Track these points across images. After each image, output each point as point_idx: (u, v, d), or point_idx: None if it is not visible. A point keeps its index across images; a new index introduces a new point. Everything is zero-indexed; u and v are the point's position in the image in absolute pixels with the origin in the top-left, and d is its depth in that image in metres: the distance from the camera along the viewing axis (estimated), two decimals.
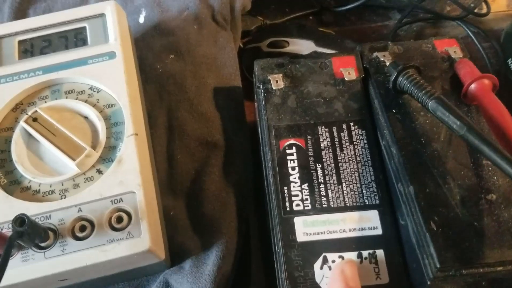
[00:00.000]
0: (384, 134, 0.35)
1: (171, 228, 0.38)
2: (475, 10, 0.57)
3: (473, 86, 0.35)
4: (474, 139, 0.29)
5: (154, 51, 0.45)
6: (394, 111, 0.36)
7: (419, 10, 0.58)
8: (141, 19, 0.48)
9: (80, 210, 0.33)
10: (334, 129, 0.36)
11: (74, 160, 0.34)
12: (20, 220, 0.29)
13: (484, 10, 0.58)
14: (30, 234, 0.30)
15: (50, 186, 0.34)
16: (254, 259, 0.39)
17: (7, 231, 0.32)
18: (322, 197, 0.34)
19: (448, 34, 0.58)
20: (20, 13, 0.49)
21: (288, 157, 0.35)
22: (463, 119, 0.30)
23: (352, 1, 0.57)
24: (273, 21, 0.56)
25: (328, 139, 0.36)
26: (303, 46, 0.49)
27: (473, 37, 0.56)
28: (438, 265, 0.29)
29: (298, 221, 0.33)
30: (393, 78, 0.35)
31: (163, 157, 0.41)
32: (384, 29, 0.57)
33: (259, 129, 0.39)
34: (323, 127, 0.36)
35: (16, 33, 0.41)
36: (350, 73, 0.38)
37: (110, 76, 0.38)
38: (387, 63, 0.38)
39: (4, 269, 0.27)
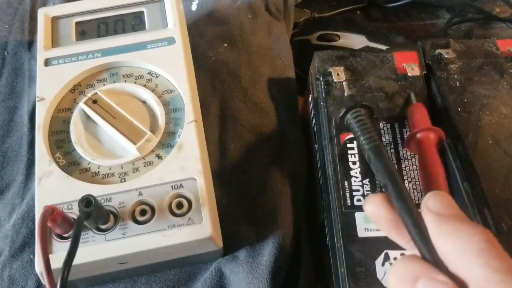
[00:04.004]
0: (448, 132, 0.35)
1: (223, 217, 0.37)
2: None
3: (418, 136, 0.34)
4: (397, 204, 0.24)
5: (206, 39, 0.45)
6: (459, 109, 0.35)
7: (469, 10, 0.57)
8: (194, 7, 0.47)
9: (140, 194, 0.33)
10: (396, 125, 0.36)
11: (134, 144, 0.34)
12: (87, 201, 0.29)
13: None
14: (95, 215, 0.30)
15: (110, 169, 0.34)
16: (303, 251, 0.39)
17: (67, 211, 0.32)
18: None
19: (497, 35, 0.57)
20: None
21: (349, 151, 0.35)
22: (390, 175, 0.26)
23: None
24: (321, 15, 0.55)
25: (390, 134, 0.35)
26: (354, 40, 0.49)
27: None
28: None
29: (359, 216, 0.33)
30: (341, 114, 0.32)
31: (214, 146, 0.40)
32: (432, 28, 0.56)
33: (316, 121, 0.38)
34: (384, 122, 0.36)
35: (73, 14, 0.41)
36: (413, 69, 0.37)
37: (169, 61, 0.38)
38: (450, 59, 0.37)
39: (75, 250, 0.27)
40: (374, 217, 0.24)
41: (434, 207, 0.22)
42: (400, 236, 0.23)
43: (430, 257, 0.21)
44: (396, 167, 0.34)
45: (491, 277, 0.18)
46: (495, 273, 0.18)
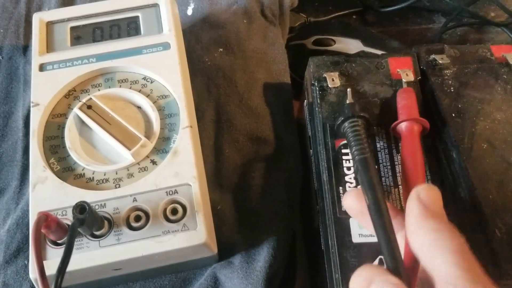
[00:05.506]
0: (443, 138, 0.35)
1: (218, 223, 0.37)
2: None
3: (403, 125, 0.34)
4: (373, 216, 0.27)
5: (202, 44, 0.45)
6: (453, 114, 0.35)
7: (464, 14, 0.57)
8: (189, 11, 0.47)
9: (135, 200, 0.33)
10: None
11: (129, 149, 0.34)
12: (81, 207, 0.29)
13: None
14: (89, 222, 0.30)
15: (104, 175, 0.34)
16: (298, 257, 0.39)
17: (61, 217, 0.32)
18: None
19: (492, 40, 0.57)
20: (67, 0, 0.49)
21: (343, 157, 0.35)
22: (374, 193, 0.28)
23: (397, 2, 0.56)
24: (317, 19, 0.55)
25: (384, 140, 0.35)
26: (350, 45, 0.49)
27: None
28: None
29: (353, 222, 0.33)
30: (338, 122, 0.34)
31: (210, 151, 0.40)
32: (428, 32, 0.57)
33: (311, 127, 0.38)
34: (379, 128, 0.36)
35: (69, 19, 0.41)
36: (408, 74, 0.37)
37: (164, 67, 0.38)
38: (445, 65, 0.37)
39: (69, 257, 0.27)
40: (347, 207, 0.29)
41: (425, 199, 0.24)
42: (366, 224, 0.27)
43: (393, 265, 0.24)
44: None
45: (461, 276, 0.21)
46: (464, 272, 0.21)
